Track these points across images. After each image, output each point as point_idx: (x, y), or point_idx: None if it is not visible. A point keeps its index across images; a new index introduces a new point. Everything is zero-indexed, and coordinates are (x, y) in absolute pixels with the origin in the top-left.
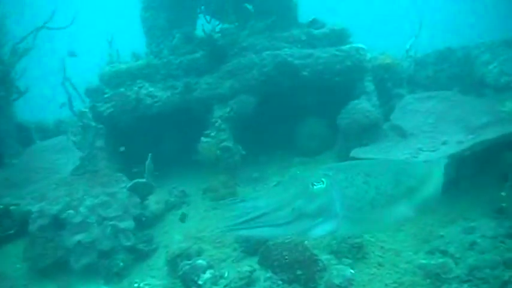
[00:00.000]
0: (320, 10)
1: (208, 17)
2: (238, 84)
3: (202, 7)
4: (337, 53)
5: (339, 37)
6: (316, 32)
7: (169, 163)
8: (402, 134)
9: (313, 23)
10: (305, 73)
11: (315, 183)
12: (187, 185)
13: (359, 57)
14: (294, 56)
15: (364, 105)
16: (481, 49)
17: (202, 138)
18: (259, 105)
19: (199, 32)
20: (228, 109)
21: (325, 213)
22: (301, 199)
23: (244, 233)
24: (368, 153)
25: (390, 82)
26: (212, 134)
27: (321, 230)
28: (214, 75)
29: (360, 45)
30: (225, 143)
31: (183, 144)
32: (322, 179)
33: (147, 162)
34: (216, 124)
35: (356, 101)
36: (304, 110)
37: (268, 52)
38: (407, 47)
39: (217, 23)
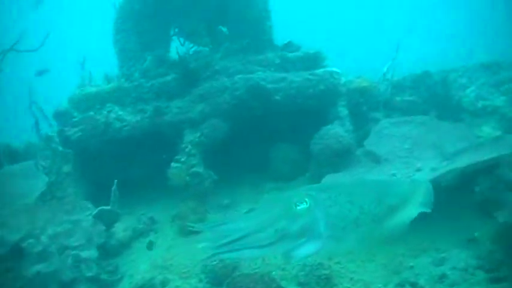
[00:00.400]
0: (298, 32)
1: (182, 40)
2: (209, 108)
3: (176, 29)
4: (310, 77)
5: (313, 60)
6: (290, 55)
7: (140, 188)
8: (376, 159)
9: (288, 45)
10: (278, 97)
11: (298, 204)
12: (158, 211)
13: (333, 81)
14: (266, 79)
15: (337, 131)
16: (459, 73)
17: (172, 164)
18: (231, 129)
19: (173, 55)
20: (198, 134)
21: (309, 233)
22: (284, 220)
23: (227, 256)
24: (340, 179)
25: (366, 106)
26: (182, 159)
27: (305, 250)
28: (185, 99)
29: (334, 69)
30: (194, 169)
31: (154, 169)
32: (306, 199)
33: (113, 188)
34: (186, 149)
35: (329, 126)
36: (278, 134)
37: (240, 76)
38: (385, 69)
39: (191, 45)
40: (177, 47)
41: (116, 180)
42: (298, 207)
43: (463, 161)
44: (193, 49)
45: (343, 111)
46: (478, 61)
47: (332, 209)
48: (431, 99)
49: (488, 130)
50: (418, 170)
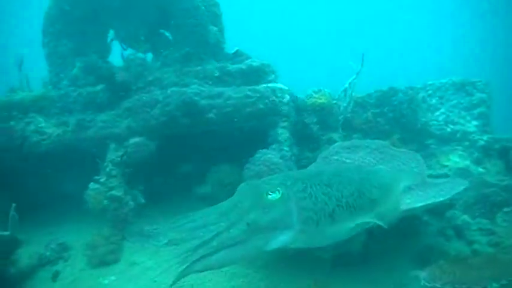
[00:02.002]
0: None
1: (124, 45)
2: (136, 124)
3: (113, 33)
4: (249, 93)
5: (256, 74)
6: (231, 67)
7: (62, 210)
8: None
9: (236, 55)
10: (211, 115)
11: (270, 193)
12: (74, 235)
13: (274, 99)
14: (201, 94)
15: (271, 157)
16: (429, 91)
17: (90, 185)
18: (160, 148)
19: (117, 61)
20: (121, 152)
21: (281, 225)
22: (255, 211)
23: (201, 268)
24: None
25: (323, 125)
26: (101, 180)
27: (277, 242)
28: (112, 113)
29: (278, 86)
30: (113, 192)
31: (77, 189)
32: (278, 188)
33: (11, 214)
34: (107, 169)
35: (264, 151)
36: (214, 154)
37: (174, 89)
38: (346, 85)
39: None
40: (122, 53)
41: (14, 204)
42: (269, 197)
43: (411, 201)
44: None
45: (284, 134)
46: (451, 79)
47: (306, 201)
48: (396, 120)
49: (455, 159)
50: None
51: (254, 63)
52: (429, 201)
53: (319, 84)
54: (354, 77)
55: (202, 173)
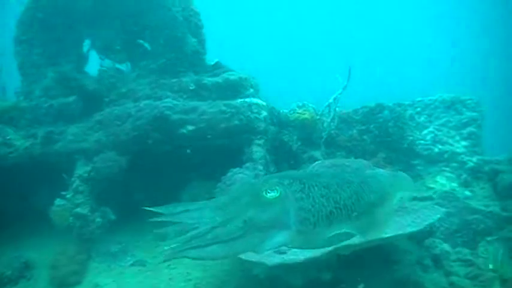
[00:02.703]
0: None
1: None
2: (106, 139)
3: (89, 43)
4: (224, 108)
5: (233, 88)
6: (207, 80)
7: (30, 225)
8: None
9: (216, 67)
10: (184, 131)
11: (269, 191)
12: (40, 252)
13: (250, 115)
14: (175, 109)
15: (242, 176)
16: (417, 109)
17: (56, 201)
18: (132, 164)
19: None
20: (89, 168)
21: (278, 224)
22: (252, 208)
23: (193, 255)
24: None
25: (306, 142)
26: (68, 196)
27: (273, 242)
28: (82, 125)
29: (255, 101)
30: (78, 209)
31: (46, 204)
32: (276, 187)
33: None
34: (74, 185)
35: (236, 170)
36: (190, 171)
37: (147, 102)
38: (331, 100)
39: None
40: (101, 63)
41: None
42: (268, 195)
43: (389, 228)
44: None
45: (258, 152)
46: (440, 97)
47: (304, 202)
48: (382, 138)
49: (442, 181)
50: None
51: (231, 77)
52: (399, 232)
53: (311, 96)
54: (340, 91)
55: (176, 190)
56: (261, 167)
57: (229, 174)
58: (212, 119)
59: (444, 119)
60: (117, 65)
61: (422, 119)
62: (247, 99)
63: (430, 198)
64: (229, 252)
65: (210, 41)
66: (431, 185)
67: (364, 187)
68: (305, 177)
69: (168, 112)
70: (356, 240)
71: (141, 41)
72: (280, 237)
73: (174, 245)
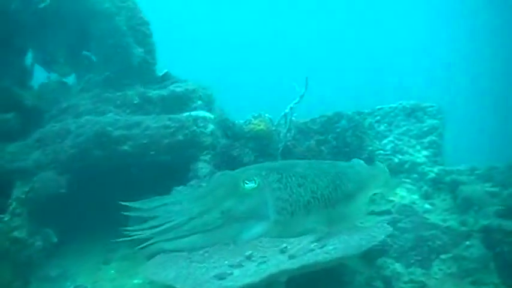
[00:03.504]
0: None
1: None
2: (45, 157)
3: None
4: (168, 122)
5: (180, 101)
6: (152, 93)
7: None
8: None
9: (165, 78)
10: (126, 147)
11: (247, 182)
12: None
13: (195, 130)
14: (116, 124)
15: None
16: (377, 117)
17: None
18: (74, 183)
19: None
20: (27, 189)
21: (256, 215)
22: (230, 199)
23: (169, 246)
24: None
25: (262, 154)
26: (5, 219)
27: (251, 233)
28: (21, 144)
29: (201, 114)
30: (15, 233)
31: None
32: (255, 178)
33: None
34: (11, 207)
35: (180, 188)
36: (135, 189)
37: (88, 117)
38: (287, 109)
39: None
40: (49, 76)
41: None
42: (246, 186)
43: (333, 247)
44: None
45: (204, 169)
46: (401, 104)
47: (281, 192)
48: (340, 149)
49: (402, 193)
50: (283, 251)
51: (177, 89)
52: (339, 255)
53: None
54: (296, 100)
55: (122, 209)
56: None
57: (172, 193)
58: (155, 134)
59: (404, 128)
60: (63, 79)
61: (382, 127)
62: (193, 113)
63: (388, 212)
64: (206, 243)
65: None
66: (391, 198)
67: (341, 177)
68: (282, 167)
69: (109, 128)
70: (291, 265)
71: (86, 53)
72: (258, 227)
73: (151, 237)
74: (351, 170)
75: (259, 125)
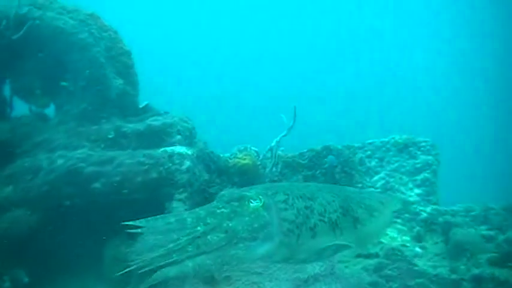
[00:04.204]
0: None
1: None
2: (15, 195)
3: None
4: (143, 159)
5: (156, 136)
6: (127, 128)
7: None
8: (209, 278)
9: (145, 110)
10: (98, 185)
11: (251, 201)
12: None
13: (170, 167)
14: (89, 160)
15: (155, 238)
16: (367, 152)
17: None
18: (45, 222)
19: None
20: None
21: (261, 235)
22: (235, 218)
23: (173, 272)
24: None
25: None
26: None
27: (256, 254)
28: None
29: (178, 150)
30: None
31: None
32: (260, 197)
33: None
34: None
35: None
36: (110, 228)
37: (60, 152)
38: (273, 143)
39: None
40: (30, 108)
41: None
42: (251, 205)
43: None
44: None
45: (179, 208)
46: (393, 138)
47: (287, 213)
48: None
49: (393, 234)
50: None
51: (154, 123)
52: None
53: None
54: (284, 133)
55: (96, 248)
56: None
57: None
58: (128, 171)
59: (397, 164)
60: (43, 110)
61: (373, 163)
62: (168, 149)
63: (375, 255)
64: (211, 265)
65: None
66: (381, 239)
67: (351, 202)
68: (290, 188)
69: (81, 164)
70: None
71: (64, 84)
72: (263, 248)
73: (155, 260)
74: (362, 195)
75: (244, 159)
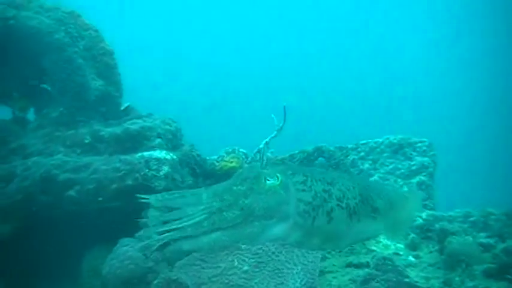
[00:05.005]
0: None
1: None
2: None
3: None
4: (119, 165)
5: (134, 140)
6: (104, 132)
7: None
8: None
9: (127, 113)
10: (72, 193)
11: (269, 178)
12: None
13: (146, 173)
14: (64, 167)
15: (127, 250)
16: (361, 153)
17: None
18: (19, 232)
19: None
20: None
21: (277, 214)
22: (251, 195)
23: (188, 246)
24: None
25: None
26: None
27: (270, 234)
28: None
29: (155, 155)
30: None
31: None
32: (278, 175)
33: None
34: None
35: (125, 241)
36: (88, 238)
37: (35, 159)
38: (261, 145)
39: None
40: (15, 112)
41: None
42: (268, 183)
43: None
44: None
45: (157, 218)
46: (387, 139)
47: (305, 194)
48: None
49: (386, 242)
50: None
51: (132, 127)
52: None
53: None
54: (273, 134)
55: (75, 258)
56: (156, 236)
57: (117, 246)
58: (103, 178)
59: (391, 166)
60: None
61: (366, 165)
62: (145, 154)
63: (366, 265)
64: (225, 242)
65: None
66: (373, 247)
67: (370, 192)
68: (310, 171)
69: (56, 171)
70: None
71: (44, 86)
72: (278, 228)
73: (169, 233)
74: (382, 187)
75: (231, 162)
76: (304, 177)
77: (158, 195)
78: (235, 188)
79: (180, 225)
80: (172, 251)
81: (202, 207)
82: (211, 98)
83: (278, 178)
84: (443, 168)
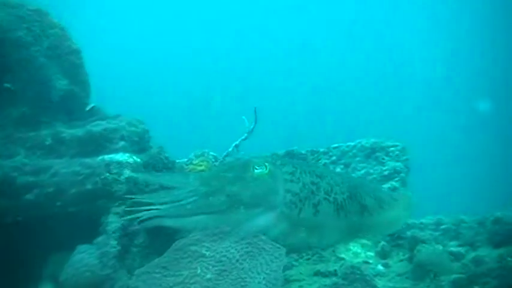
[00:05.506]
0: None
1: None
2: None
3: None
4: (78, 168)
5: (96, 142)
6: (66, 133)
7: None
8: None
9: (92, 113)
10: (30, 196)
11: (257, 167)
12: None
13: (106, 177)
14: (23, 169)
15: (82, 257)
16: (332, 157)
17: None
18: None
19: None
20: None
21: (264, 203)
22: (238, 183)
23: (169, 223)
24: None
25: None
26: None
27: (255, 223)
28: None
29: (116, 158)
30: None
31: None
32: (266, 164)
33: None
34: None
35: (82, 248)
36: (49, 244)
37: None
38: (230, 148)
39: None
40: None
41: None
42: (255, 171)
43: None
44: None
45: (114, 223)
46: (359, 143)
47: (293, 185)
48: None
49: (356, 249)
50: None
51: (95, 128)
52: None
53: None
54: (243, 137)
55: (34, 266)
56: (114, 242)
57: (73, 253)
58: (62, 182)
59: (363, 171)
60: None
61: (338, 170)
62: (106, 157)
63: (333, 273)
64: (207, 225)
65: None
66: (342, 255)
67: (359, 189)
68: (299, 163)
69: (14, 174)
70: None
71: (7, 85)
72: (264, 218)
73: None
74: (372, 185)
75: (200, 166)
76: (293, 168)
77: (147, 174)
78: (222, 174)
79: (164, 205)
80: (154, 224)
81: (188, 189)
82: (192, 100)
83: (266, 167)
84: (441, 169)
